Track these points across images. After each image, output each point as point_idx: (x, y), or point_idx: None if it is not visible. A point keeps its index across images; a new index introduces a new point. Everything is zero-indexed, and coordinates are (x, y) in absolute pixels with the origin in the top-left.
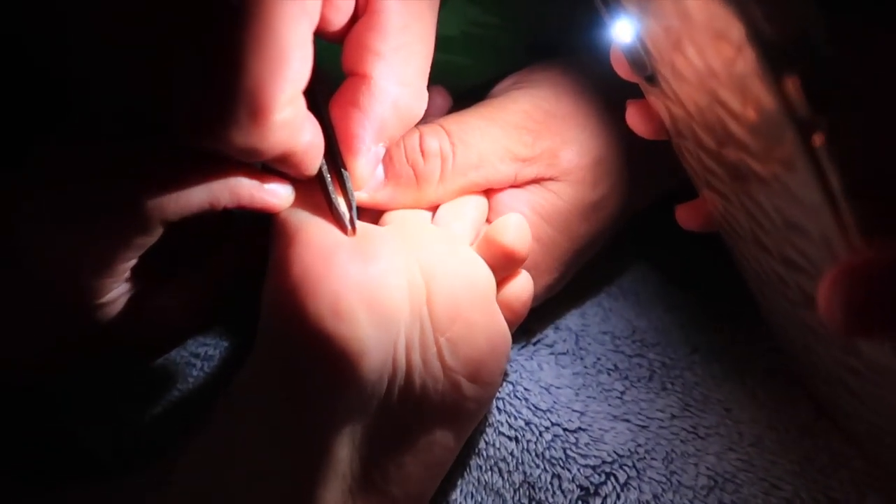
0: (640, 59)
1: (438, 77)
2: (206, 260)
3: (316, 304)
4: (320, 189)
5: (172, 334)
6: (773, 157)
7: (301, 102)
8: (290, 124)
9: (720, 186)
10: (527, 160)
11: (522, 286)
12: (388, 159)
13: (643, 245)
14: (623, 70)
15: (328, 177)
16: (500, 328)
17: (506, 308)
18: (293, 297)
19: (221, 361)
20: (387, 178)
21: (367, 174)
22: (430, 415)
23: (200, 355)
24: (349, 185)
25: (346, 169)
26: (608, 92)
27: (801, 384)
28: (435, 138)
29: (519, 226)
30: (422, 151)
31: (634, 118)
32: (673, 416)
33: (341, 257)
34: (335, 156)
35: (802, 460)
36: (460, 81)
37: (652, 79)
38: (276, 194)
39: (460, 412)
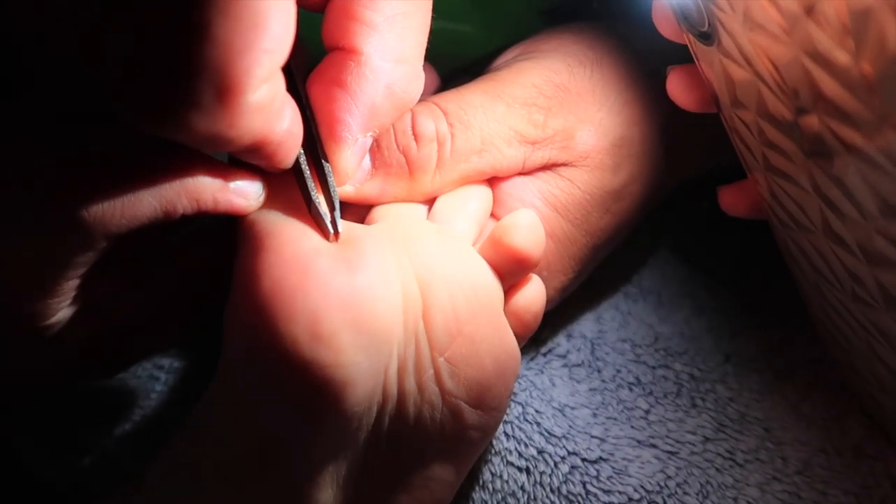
0: (694, 12)
1: (433, 49)
2: (169, 264)
3: (290, 325)
4: (297, 184)
5: (135, 348)
6: (891, 122)
7: (280, 80)
8: (267, 107)
9: (785, 166)
10: (537, 142)
11: (534, 295)
12: (375, 146)
13: (663, 233)
14: (668, 28)
15: (307, 170)
16: (509, 345)
17: (515, 320)
18: (262, 316)
19: (190, 373)
20: (375, 168)
21: (352, 167)
22: (427, 447)
23: (165, 367)
24: (331, 180)
25: (327, 161)
26: (632, 61)
27: (856, 398)
28: (430, 119)
29: (531, 225)
30: (415, 135)
31: (677, 87)
32: (706, 440)
33: (321, 266)
34: (314, 145)
35: (860, 490)
36: (459, 54)
37: (708, 35)
38: (244, 194)
39: (462, 442)
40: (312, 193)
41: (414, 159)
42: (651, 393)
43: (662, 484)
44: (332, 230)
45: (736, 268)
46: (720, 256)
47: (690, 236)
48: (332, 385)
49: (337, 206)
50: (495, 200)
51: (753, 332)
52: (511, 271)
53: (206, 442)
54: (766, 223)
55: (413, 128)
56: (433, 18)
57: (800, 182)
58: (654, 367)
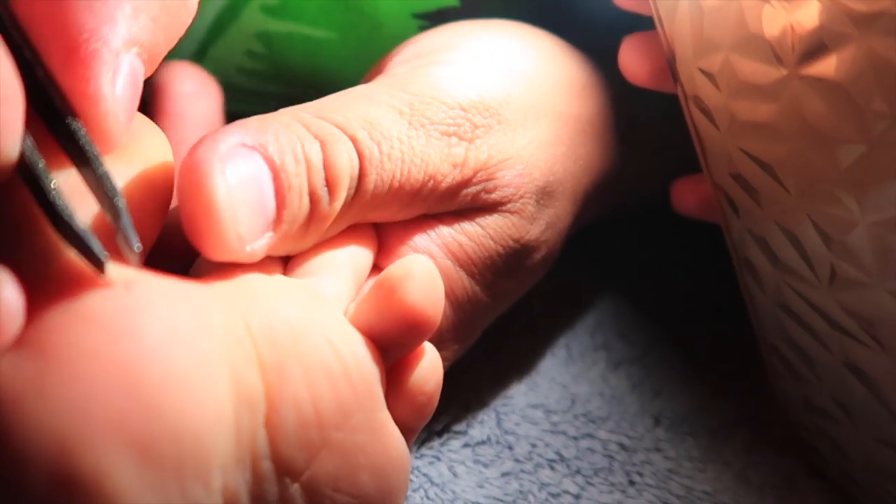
0: None
1: (281, 60)
2: None
3: (20, 429)
4: (25, 185)
5: None
6: None
7: None
8: None
9: (760, 112)
10: (459, 185)
11: (429, 369)
12: (281, 183)
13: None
14: None
15: (41, 162)
16: (396, 451)
17: (404, 406)
18: None
19: None
20: (280, 218)
21: (124, 107)
22: None
23: None
24: (92, 151)
25: (74, 117)
26: (563, 72)
27: (802, 456)
28: (343, 150)
29: (428, 274)
30: (328, 178)
31: (630, 54)
32: None
33: (85, 331)
34: (41, 97)
35: None
36: (315, 68)
37: None
38: None
39: None
40: (58, 206)
41: (323, 213)
42: (578, 471)
43: None
44: (101, 259)
45: (644, 313)
46: (626, 301)
47: (595, 267)
48: None
49: (121, 202)
50: (380, 249)
51: (677, 388)
52: (399, 341)
53: None
54: (665, 258)
55: (325, 161)
56: (280, 19)
57: (780, 127)
58: (576, 438)
